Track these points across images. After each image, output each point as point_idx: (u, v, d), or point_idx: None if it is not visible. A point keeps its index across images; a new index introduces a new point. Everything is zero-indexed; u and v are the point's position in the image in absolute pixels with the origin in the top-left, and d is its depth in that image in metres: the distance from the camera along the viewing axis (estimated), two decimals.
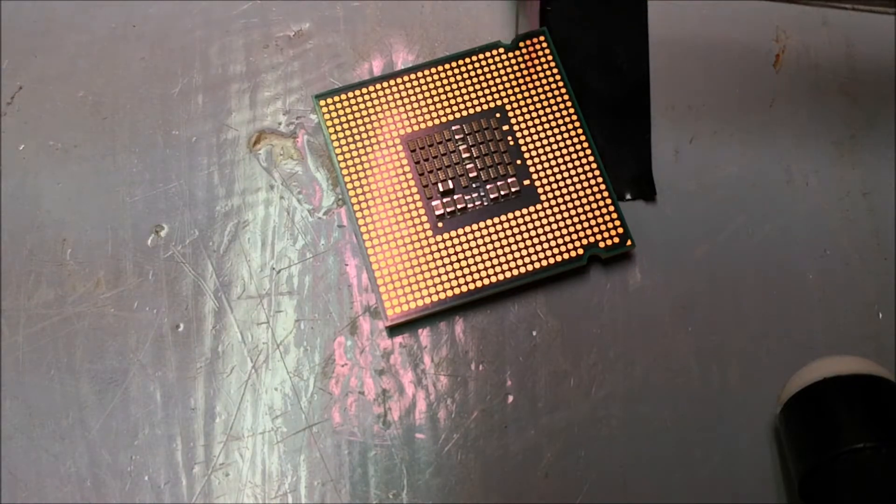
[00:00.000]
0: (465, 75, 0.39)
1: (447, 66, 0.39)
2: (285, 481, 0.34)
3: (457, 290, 0.36)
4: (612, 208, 0.37)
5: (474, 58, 0.39)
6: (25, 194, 0.37)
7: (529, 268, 0.36)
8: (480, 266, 0.36)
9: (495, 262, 0.36)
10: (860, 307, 0.36)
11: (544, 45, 0.39)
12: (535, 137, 0.38)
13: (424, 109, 0.38)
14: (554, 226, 0.37)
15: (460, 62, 0.39)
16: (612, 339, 0.36)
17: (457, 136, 0.38)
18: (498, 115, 0.38)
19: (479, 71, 0.39)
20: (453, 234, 0.36)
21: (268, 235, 0.37)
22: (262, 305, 0.36)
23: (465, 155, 0.37)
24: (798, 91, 0.39)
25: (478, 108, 0.38)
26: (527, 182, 0.37)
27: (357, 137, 0.38)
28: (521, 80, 0.39)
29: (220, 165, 0.38)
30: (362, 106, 0.38)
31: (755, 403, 0.35)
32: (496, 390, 0.35)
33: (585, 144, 0.38)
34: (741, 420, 0.35)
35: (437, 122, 0.38)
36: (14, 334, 0.36)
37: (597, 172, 0.37)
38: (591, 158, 0.37)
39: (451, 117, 0.38)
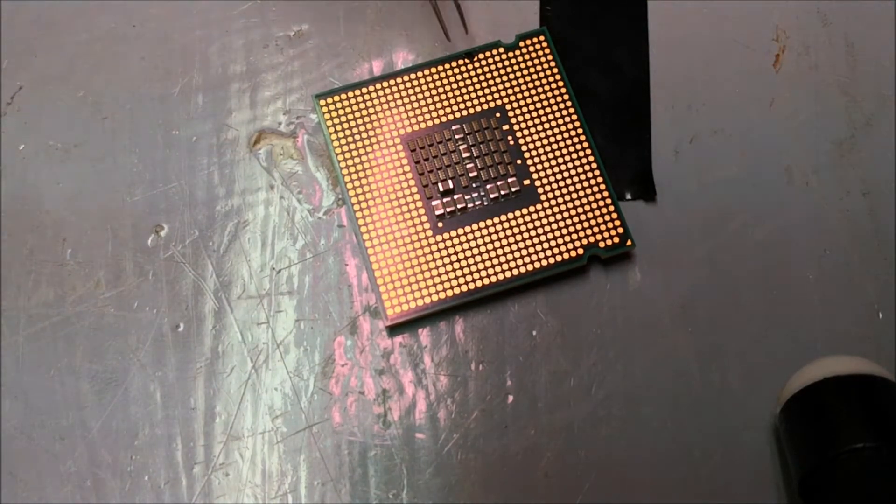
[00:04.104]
0: (465, 75, 0.39)
1: (447, 66, 0.39)
2: (285, 481, 0.34)
3: (457, 290, 0.36)
4: (612, 208, 0.37)
5: (474, 57, 0.39)
6: (25, 194, 0.37)
7: (529, 268, 0.36)
8: (480, 266, 0.36)
9: (495, 261, 0.36)
10: (860, 307, 0.36)
11: (544, 44, 0.39)
12: (535, 137, 0.38)
13: (424, 109, 0.38)
14: (554, 226, 0.37)
15: (460, 62, 0.39)
16: (612, 339, 0.36)
17: (457, 136, 0.38)
18: (498, 114, 0.38)
19: (479, 71, 0.39)
20: (453, 233, 0.36)
21: (268, 235, 0.37)
22: (262, 305, 0.36)
23: (465, 155, 0.37)
24: (798, 91, 0.39)
25: (478, 108, 0.38)
26: (527, 182, 0.37)
27: (357, 137, 0.38)
28: (521, 80, 0.39)
29: (220, 165, 0.38)
30: (362, 106, 0.38)
31: (755, 403, 0.35)
32: (496, 390, 0.35)
33: (585, 144, 0.38)
34: (741, 420, 0.35)
35: (437, 121, 0.38)
36: (14, 334, 0.36)
37: (597, 172, 0.37)
38: (591, 158, 0.37)
39: (451, 117, 0.38)
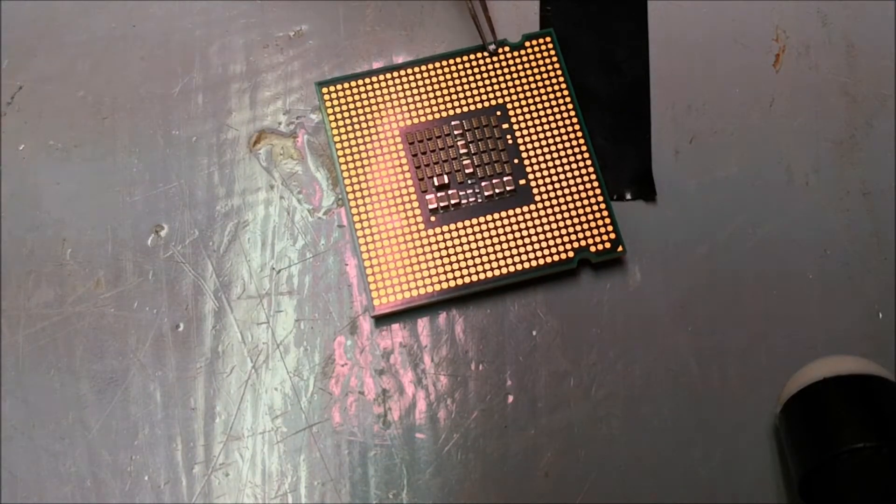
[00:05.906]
0: (468, 71, 0.39)
1: (450, 62, 0.39)
2: (285, 481, 0.34)
3: (444, 286, 0.36)
4: (605, 213, 0.37)
5: (478, 55, 0.39)
6: (25, 194, 0.37)
7: (519, 267, 0.36)
8: (470, 263, 0.36)
9: (485, 259, 0.36)
10: (860, 307, 0.36)
11: (550, 46, 0.39)
12: (534, 138, 0.38)
13: (425, 103, 0.38)
14: (546, 227, 0.36)
15: (464, 58, 0.39)
16: (612, 339, 0.36)
17: (456, 132, 0.38)
18: (498, 112, 0.38)
19: (483, 68, 0.39)
20: (445, 228, 0.36)
21: (268, 235, 0.37)
22: (262, 305, 0.36)
23: (462, 151, 0.37)
24: (798, 91, 0.39)
25: (479, 105, 0.38)
26: (522, 182, 0.37)
27: (357, 126, 0.38)
28: (524, 80, 0.39)
29: (220, 165, 0.38)
30: (364, 96, 0.38)
31: (755, 403, 0.35)
32: (496, 390, 0.35)
33: (584, 148, 0.38)
34: (741, 420, 0.35)
35: (437, 116, 0.38)
36: (14, 334, 0.36)
37: (593, 177, 0.37)
38: (588, 163, 0.37)
39: (451, 112, 0.38)
